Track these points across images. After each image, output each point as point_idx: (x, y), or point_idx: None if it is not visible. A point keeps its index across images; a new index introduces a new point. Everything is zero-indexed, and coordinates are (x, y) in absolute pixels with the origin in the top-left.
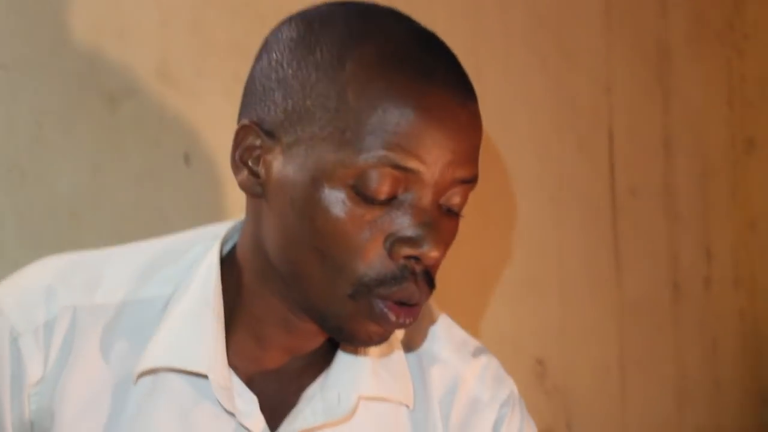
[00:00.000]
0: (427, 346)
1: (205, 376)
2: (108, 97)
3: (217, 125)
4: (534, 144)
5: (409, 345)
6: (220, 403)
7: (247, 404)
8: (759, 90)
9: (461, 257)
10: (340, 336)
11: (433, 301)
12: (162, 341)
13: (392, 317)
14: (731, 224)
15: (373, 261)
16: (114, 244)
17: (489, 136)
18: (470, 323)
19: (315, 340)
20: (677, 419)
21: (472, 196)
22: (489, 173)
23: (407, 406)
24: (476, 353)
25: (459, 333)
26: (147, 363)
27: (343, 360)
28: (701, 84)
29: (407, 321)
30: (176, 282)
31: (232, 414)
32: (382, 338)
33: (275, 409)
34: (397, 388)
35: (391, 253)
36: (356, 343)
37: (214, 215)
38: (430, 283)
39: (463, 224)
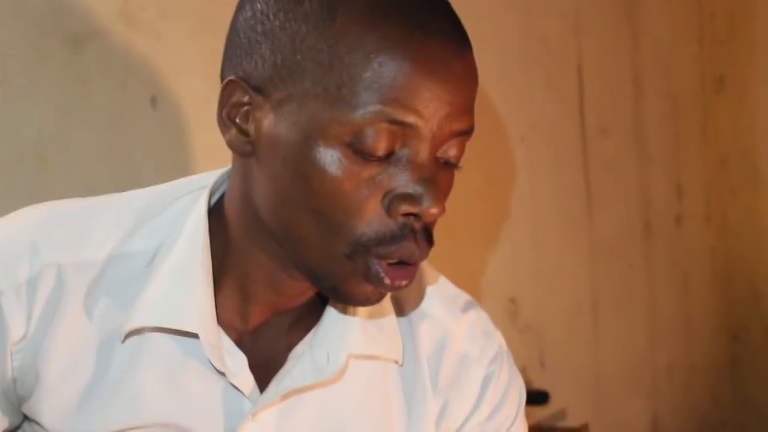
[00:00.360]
0: (417, 302)
1: (194, 335)
2: (71, 39)
3: (184, 68)
4: (503, 85)
5: (399, 302)
6: (210, 362)
7: (237, 363)
8: (729, 28)
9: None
10: (335, 296)
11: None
12: (150, 299)
13: (387, 281)
14: (702, 162)
15: (371, 219)
16: (82, 187)
17: None
18: (444, 264)
19: (304, 296)
20: (649, 356)
21: None
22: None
23: (397, 363)
24: (465, 308)
25: (449, 288)
26: (134, 323)
27: (331, 317)
28: (671, 22)
29: (403, 284)
30: (163, 235)
31: (221, 373)
32: (378, 298)
33: (264, 367)
34: (387, 345)
35: (389, 211)
36: (352, 303)
37: (182, 158)
38: (429, 240)
39: None
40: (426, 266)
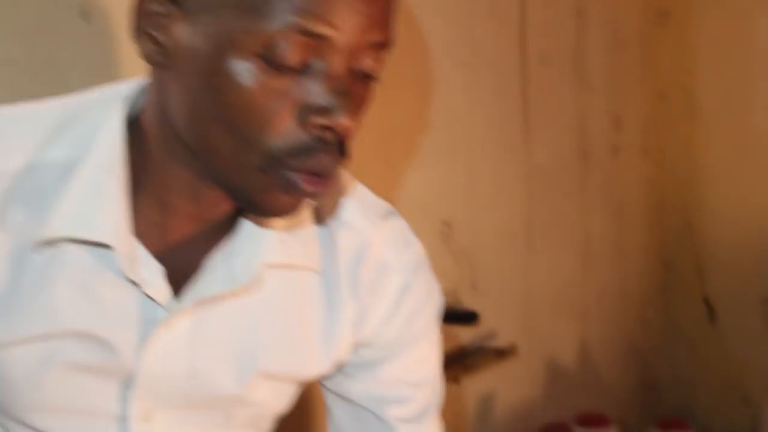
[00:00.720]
0: (335, 211)
1: (108, 247)
2: None
3: None
4: (444, 10)
5: (319, 211)
6: (124, 273)
7: (152, 273)
8: None
9: (371, 121)
10: (251, 208)
11: (344, 168)
12: (63, 210)
13: (304, 186)
14: (642, 94)
15: (284, 132)
16: (8, 101)
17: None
18: (379, 185)
19: (222, 208)
20: (581, 282)
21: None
22: (399, 39)
23: (315, 272)
24: (384, 216)
25: (368, 196)
26: (47, 233)
27: (247, 227)
28: None
29: (319, 191)
30: (79, 145)
31: (136, 284)
32: (293, 209)
33: (180, 278)
34: (304, 254)
35: (302, 123)
36: (268, 214)
37: (112, 72)
38: (343, 153)
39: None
40: (344, 175)
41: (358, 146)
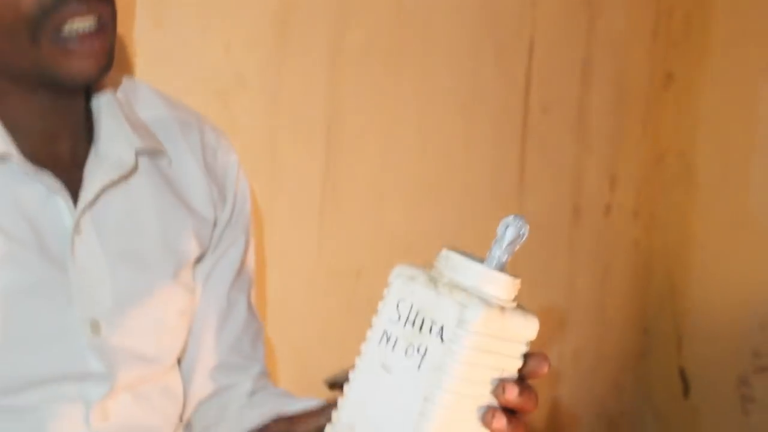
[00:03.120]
0: (146, 112)
1: (7, 156)
2: None
3: None
4: (450, 52)
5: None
6: (27, 178)
7: (53, 180)
8: (684, 26)
9: (359, 160)
10: (55, 80)
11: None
12: None
13: (80, 45)
14: (639, 155)
15: None
16: None
17: (406, 40)
18: (367, 224)
19: (73, 109)
20: (559, 340)
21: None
22: (396, 79)
23: (166, 156)
24: (185, 106)
25: (164, 94)
26: None
27: (105, 127)
28: (628, 11)
29: (98, 47)
30: None
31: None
32: (95, 72)
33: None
34: (156, 140)
35: None
36: (74, 82)
37: None
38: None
39: (372, 131)
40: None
41: (352, 186)
